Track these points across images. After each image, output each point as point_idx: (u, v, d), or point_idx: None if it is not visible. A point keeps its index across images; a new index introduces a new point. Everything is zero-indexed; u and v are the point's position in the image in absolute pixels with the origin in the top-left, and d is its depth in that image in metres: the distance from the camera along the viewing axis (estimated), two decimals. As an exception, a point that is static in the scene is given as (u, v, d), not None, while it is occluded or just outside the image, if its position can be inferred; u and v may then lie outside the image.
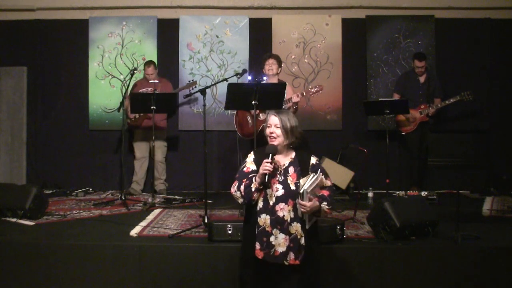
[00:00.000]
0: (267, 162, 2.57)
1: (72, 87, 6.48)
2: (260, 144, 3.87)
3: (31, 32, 6.46)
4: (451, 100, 5.61)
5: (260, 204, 2.67)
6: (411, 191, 5.43)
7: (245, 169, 2.73)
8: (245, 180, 2.66)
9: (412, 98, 5.64)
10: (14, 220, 4.20)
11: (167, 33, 6.47)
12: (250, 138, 4.68)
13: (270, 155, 2.61)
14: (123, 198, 5.10)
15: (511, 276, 3.43)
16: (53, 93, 6.47)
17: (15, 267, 3.49)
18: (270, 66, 4.93)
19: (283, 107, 5.01)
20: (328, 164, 5.84)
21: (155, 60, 6.35)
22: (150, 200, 5.18)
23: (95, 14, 6.46)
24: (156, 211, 4.74)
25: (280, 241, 2.62)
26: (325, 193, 2.70)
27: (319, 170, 2.71)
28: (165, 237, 3.71)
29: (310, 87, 5.06)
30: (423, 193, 5.25)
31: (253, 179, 2.63)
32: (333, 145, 6.27)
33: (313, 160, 2.77)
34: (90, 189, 6.16)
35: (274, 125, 2.70)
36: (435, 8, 6.42)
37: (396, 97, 5.87)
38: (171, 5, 6.48)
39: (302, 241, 2.64)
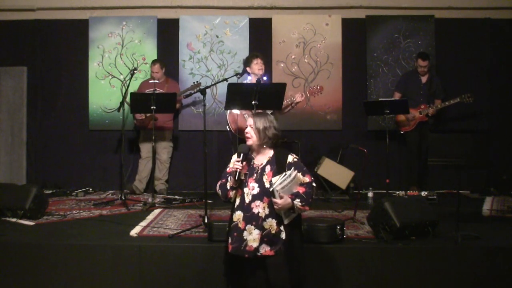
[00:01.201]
0: (237, 161, 2.78)
1: (72, 87, 6.47)
2: None
3: (31, 32, 6.46)
4: (451, 102, 5.62)
5: (237, 202, 2.85)
6: (411, 191, 5.43)
7: (227, 169, 2.91)
8: (223, 179, 2.88)
9: (412, 98, 5.65)
10: (14, 220, 4.20)
11: (167, 33, 6.47)
12: (241, 137, 4.65)
13: (242, 154, 2.80)
14: (123, 198, 5.10)
15: (511, 276, 3.43)
16: (53, 93, 6.47)
17: (15, 267, 3.49)
18: (260, 65, 4.90)
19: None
20: (328, 164, 5.84)
21: (155, 60, 6.38)
22: (150, 200, 5.18)
23: (95, 14, 6.46)
24: (156, 211, 4.75)
25: (254, 236, 2.75)
26: (301, 190, 2.76)
27: (293, 167, 2.77)
28: (165, 237, 3.71)
29: (311, 87, 5.05)
30: (423, 193, 5.26)
31: (229, 178, 2.83)
32: (333, 145, 6.27)
33: (290, 158, 2.84)
34: (90, 189, 6.16)
35: (249, 125, 2.89)
36: (435, 8, 6.42)
37: (397, 96, 5.88)
38: (171, 5, 6.48)
39: (283, 235, 2.77)
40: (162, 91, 5.78)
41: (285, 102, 5.01)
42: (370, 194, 5.31)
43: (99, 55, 6.42)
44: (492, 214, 4.74)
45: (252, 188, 2.80)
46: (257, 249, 2.74)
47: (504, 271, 3.43)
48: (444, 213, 4.04)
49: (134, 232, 3.86)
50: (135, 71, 5.72)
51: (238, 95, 4.10)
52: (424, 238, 3.63)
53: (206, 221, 3.89)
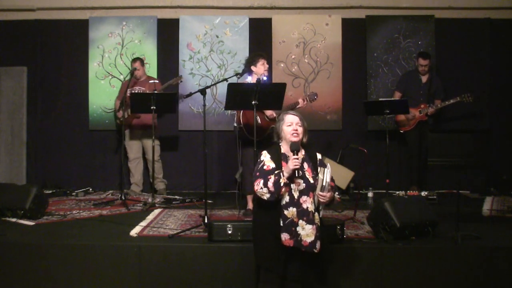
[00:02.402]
0: (296, 159, 2.78)
1: (72, 87, 6.47)
2: (264, 143, 3.88)
3: (31, 32, 6.46)
4: (451, 101, 5.62)
5: (287, 199, 2.84)
6: (411, 191, 5.43)
7: (265, 167, 2.87)
8: (269, 177, 2.79)
9: (413, 97, 5.66)
10: (14, 220, 4.20)
11: (167, 33, 6.47)
12: (252, 138, 4.63)
13: (295, 151, 2.81)
14: (123, 198, 5.10)
15: (511, 276, 3.43)
16: (53, 93, 6.47)
17: (15, 267, 3.48)
18: (266, 66, 4.89)
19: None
20: (328, 164, 5.83)
21: (155, 60, 6.39)
22: (150, 200, 5.18)
23: (95, 14, 6.46)
24: (156, 211, 4.75)
25: (308, 231, 2.81)
26: (332, 184, 2.95)
27: (327, 164, 2.96)
28: (165, 237, 3.71)
29: (309, 93, 5.04)
30: (423, 193, 5.26)
31: (281, 174, 2.79)
32: (333, 145, 6.28)
33: (319, 156, 3.03)
34: (90, 189, 6.17)
35: (295, 123, 2.94)
36: (435, 8, 6.42)
37: (397, 95, 5.89)
38: (171, 5, 6.48)
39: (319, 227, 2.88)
40: (144, 89, 5.77)
41: (287, 104, 5.01)
42: (370, 194, 5.31)
43: (99, 55, 6.42)
44: (492, 214, 4.74)
45: (298, 184, 2.85)
46: (313, 244, 2.80)
47: (504, 271, 3.43)
48: (444, 213, 4.04)
49: (134, 232, 3.86)
50: (135, 71, 5.72)
51: (238, 95, 4.09)
52: (424, 238, 3.63)
53: (206, 221, 3.89)
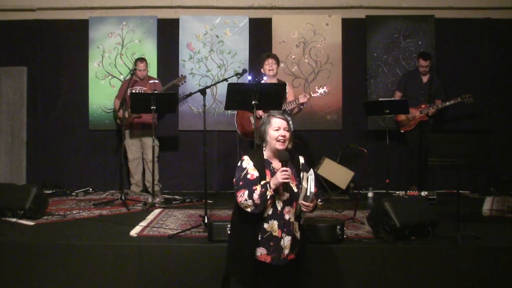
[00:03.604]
0: (285, 171, 2.54)
1: (72, 87, 6.47)
2: None
3: (31, 32, 6.46)
4: (452, 101, 5.63)
5: (269, 211, 2.66)
6: (411, 191, 5.43)
7: (249, 176, 2.64)
8: (255, 187, 2.59)
9: (413, 97, 5.67)
10: (14, 220, 4.20)
11: (167, 33, 6.47)
12: (250, 139, 4.67)
13: (284, 162, 2.60)
14: (123, 198, 5.10)
15: (511, 276, 3.43)
16: (53, 93, 6.47)
17: (15, 267, 3.49)
18: (271, 66, 4.90)
19: (288, 108, 5.03)
20: (328, 164, 5.84)
21: (155, 60, 6.37)
22: (150, 200, 5.18)
23: (95, 14, 6.46)
24: (156, 211, 4.74)
25: (286, 243, 2.68)
26: (315, 191, 2.65)
27: (307, 168, 2.75)
28: (165, 237, 3.70)
29: (317, 87, 5.04)
30: (423, 193, 5.26)
31: (267, 186, 2.56)
32: (333, 145, 6.27)
33: (301, 159, 2.82)
34: (90, 189, 6.16)
35: (283, 128, 2.69)
36: (435, 8, 6.42)
37: (397, 95, 5.89)
38: (171, 5, 6.48)
39: (298, 236, 2.76)
40: (145, 89, 5.77)
41: (290, 106, 5.02)
42: (370, 194, 5.31)
43: (99, 55, 6.42)
44: (492, 214, 4.74)
45: (283, 195, 2.65)
46: (289, 255, 2.70)
47: (504, 271, 3.43)
48: (444, 213, 4.04)
49: (134, 232, 3.86)
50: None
51: (238, 95, 4.10)
52: (424, 238, 3.63)
53: (206, 221, 3.89)
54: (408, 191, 5.43)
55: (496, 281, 3.42)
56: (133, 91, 5.63)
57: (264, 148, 2.76)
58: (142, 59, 5.90)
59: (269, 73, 4.82)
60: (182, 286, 3.45)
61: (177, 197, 5.56)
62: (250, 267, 2.68)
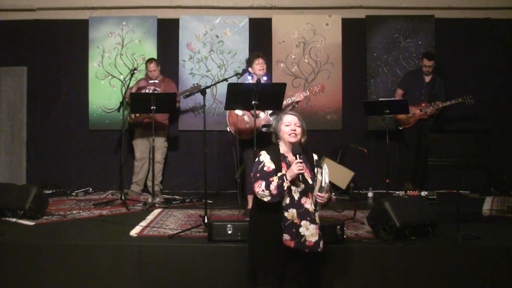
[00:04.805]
0: (300, 162, 2.77)
1: (72, 87, 6.47)
2: (260, 143, 3.89)
3: (31, 32, 6.46)
4: (453, 101, 5.64)
5: (287, 200, 2.84)
6: (410, 191, 5.43)
7: (265, 168, 2.86)
8: (271, 179, 2.78)
9: (414, 96, 5.70)
10: (14, 220, 4.20)
11: (167, 33, 6.47)
12: (246, 138, 4.64)
13: (298, 155, 2.82)
14: (123, 198, 5.10)
15: (511, 276, 3.43)
16: (53, 93, 6.47)
17: (15, 267, 3.48)
18: (261, 65, 4.87)
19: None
20: (328, 164, 5.81)
21: (155, 60, 6.37)
22: (150, 200, 5.18)
23: (95, 14, 6.46)
24: (156, 211, 4.75)
25: (312, 231, 2.82)
26: (329, 184, 2.92)
27: (320, 164, 2.99)
28: (165, 237, 3.70)
29: (312, 86, 5.04)
30: (423, 193, 5.26)
31: (284, 178, 2.77)
32: (333, 145, 6.27)
33: (315, 156, 3.03)
34: (90, 189, 6.17)
35: (294, 124, 2.94)
36: (435, 8, 6.43)
37: (399, 92, 5.92)
38: (171, 5, 6.48)
39: (319, 225, 2.90)
40: (159, 90, 5.77)
41: (285, 102, 5.00)
42: (370, 194, 5.31)
43: (99, 55, 6.42)
44: (492, 214, 4.74)
45: (298, 185, 2.85)
46: (317, 243, 2.81)
47: (504, 271, 3.43)
48: (444, 213, 4.04)
49: (134, 232, 3.85)
50: (135, 71, 5.70)
51: (238, 95, 4.09)
52: (424, 238, 3.63)
53: (206, 221, 3.89)
54: (408, 191, 5.42)
55: (496, 281, 3.42)
56: (146, 91, 5.66)
57: (279, 144, 3.00)
58: (151, 60, 5.92)
59: (260, 73, 4.79)
60: (182, 286, 3.44)
61: (177, 197, 5.57)
62: (281, 254, 2.82)
